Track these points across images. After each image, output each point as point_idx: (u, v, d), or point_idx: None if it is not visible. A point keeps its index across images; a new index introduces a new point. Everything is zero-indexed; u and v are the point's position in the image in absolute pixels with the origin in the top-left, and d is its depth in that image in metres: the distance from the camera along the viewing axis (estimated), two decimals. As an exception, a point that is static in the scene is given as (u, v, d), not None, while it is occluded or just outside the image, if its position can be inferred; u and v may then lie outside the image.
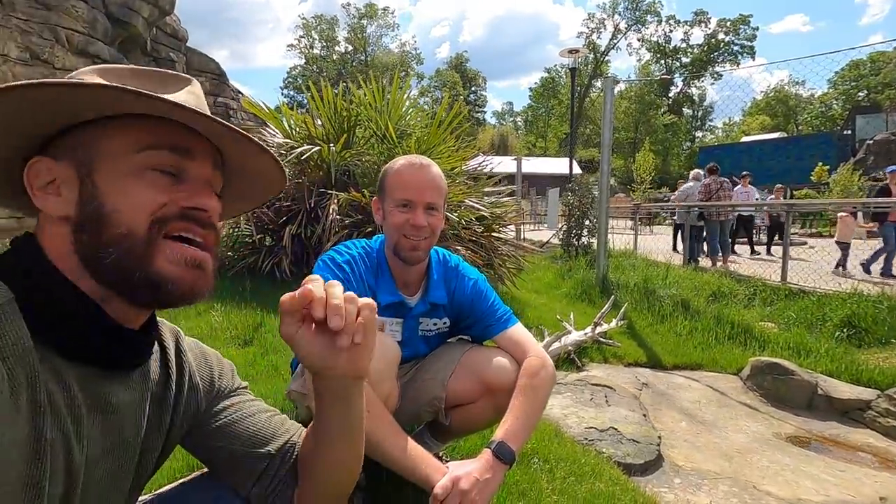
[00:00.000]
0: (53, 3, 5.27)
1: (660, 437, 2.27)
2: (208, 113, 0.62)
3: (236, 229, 4.50)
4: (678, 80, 47.14)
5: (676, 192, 9.32)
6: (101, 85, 0.51)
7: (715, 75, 41.92)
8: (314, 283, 0.58)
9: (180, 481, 0.80)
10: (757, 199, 9.66)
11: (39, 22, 5.07)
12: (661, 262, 6.51)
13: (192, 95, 0.62)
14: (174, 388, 0.69)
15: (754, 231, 10.23)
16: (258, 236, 4.38)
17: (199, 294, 0.58)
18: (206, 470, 0.78)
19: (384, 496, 1.40)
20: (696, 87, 48.18)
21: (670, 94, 47.39)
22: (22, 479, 0.46)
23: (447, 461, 1.63)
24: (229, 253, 4.52)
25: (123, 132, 0.56)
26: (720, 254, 7.68)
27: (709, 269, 6.80)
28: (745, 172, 9.48)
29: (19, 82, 0.47)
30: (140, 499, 0.73)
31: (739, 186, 9.19)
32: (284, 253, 4.01)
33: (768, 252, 9.60)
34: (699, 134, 50.30)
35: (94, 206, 0.54)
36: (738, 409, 2.85)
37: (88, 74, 0.59)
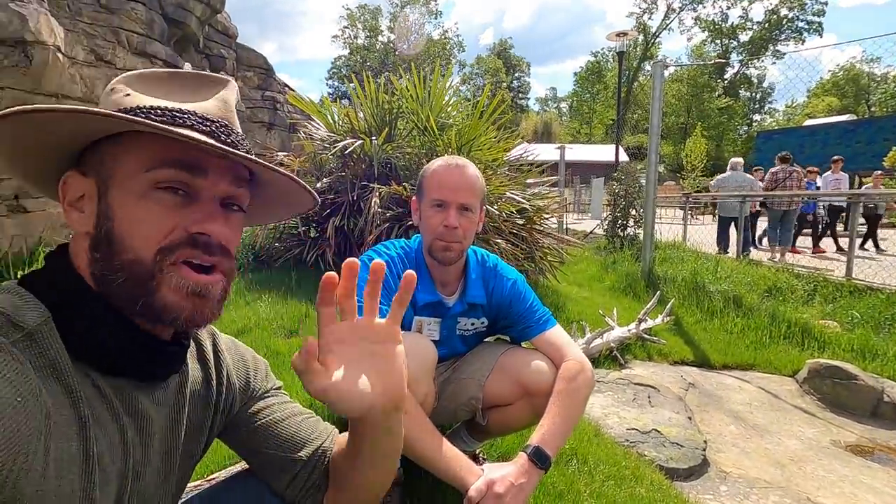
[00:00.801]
0: (115, 6, 5.58)
1: (706, 441, 2.20)
2: (231, 121, 0.61)
3: (283, 222, 4.65)
4: (735, 62, 44.30)
5: (712, 182, 8.65)
6: (83, 111, 0.49)
7: (776, 54, 39.22)
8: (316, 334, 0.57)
9: (225, 476, 0.84)
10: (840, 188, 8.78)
11: (102, 25, 5.38)
12: (711, 255, 6.23)
13: (221, 103, 0.61)
14: (214, 388, 0.71)
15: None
16: (303, 228, 4.52)
17: (200, 321, 0.56)
18: (248, 467, 0.81)
19: (421, 493, 1.43)
20: (754, 67, 45.24)
21: (726, 76, 44.76)
22: (76, 492, 0.48)
23: (484, 459, 1.65)
24: (276, 244, 4.69)
25: (137, 148, 0.54)
26: (778, 243, 7.33)
27: (764, 261, 6.44)
28: (836, 157, 8.65)
29: (33, 106, 0.47)
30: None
31: (829, 173, 8.48)
32: (328, 244, 4.11)
33: (862, 246, 8.29)
34: (757, 117, 47.28)
35: (106, 227, 0.54)
36: (793, 413, 2.71)
37: (121, 84, 0.58)
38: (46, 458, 0.45)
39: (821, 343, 3.59)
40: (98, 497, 0.51)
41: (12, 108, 0.47)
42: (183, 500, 0.78)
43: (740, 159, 8.08)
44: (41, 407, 0.45)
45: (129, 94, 0.58)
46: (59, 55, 4.01)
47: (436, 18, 50.14)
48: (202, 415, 0.70)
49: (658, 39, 45.36)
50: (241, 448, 0.78)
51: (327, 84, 48.06)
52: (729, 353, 3.45)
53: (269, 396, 0.79)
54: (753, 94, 46.81)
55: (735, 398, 2.84)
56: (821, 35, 41.25)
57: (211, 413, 0.71)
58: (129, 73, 0.61)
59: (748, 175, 7.92)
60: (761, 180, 8.26)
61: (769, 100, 46.66)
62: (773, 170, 7.75)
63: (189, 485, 0.82)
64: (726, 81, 44.12)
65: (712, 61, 38.82)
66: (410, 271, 0.58)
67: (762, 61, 43.52)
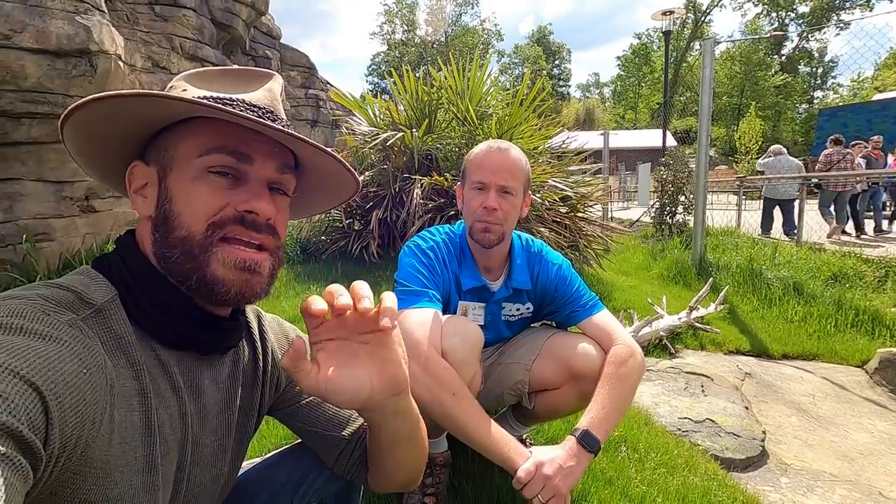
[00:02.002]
0: (168, 14, 5.88)
1: (764, 432, 2.10)
2: (277, 109, 0.64)
3: (328, 215, 4.78)
4: (793, 35, 41.28)
5: (757, 167, 8.75)
6: (135, 93, 0.52)
7: (840, 24, 36.35)
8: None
9: (279, 450, 0.89)
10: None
11: (158, 33, 5.69)
12: (768, 241, 5.91)
13: (267, 93, 0.65)
14: (262, 366, 0.75)
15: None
16: (348, 221, 4.62)
17: (251, 296, 0.59)
18: (299, 442, 0.85)
19: (470, 475, 1.45)
20: (815, 40, 42.06)
21: (783, 52, 41.92)
22: (140, 459, 0.52)
23: (531, 444, 1.65)
24: (322, 237, 4.82)
25: (192, 136, 0.59)
26: (833, 220, 7.40)
27: (827, 245, 6.05)
28: None
29: (96, 95, 0.52)
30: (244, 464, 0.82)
31: None
32: (372, 237, 4.20)
33: None
34: (819, 94, 44.05)
35: (164, 208, 0.58)
36: (862, 405, 2.54)
37: (179, 81, 0.64)
38: (112, 426, 0.49)
39: (894, 332, 3.35)
40: (159, 464, 0.55)
41: (96, 94, 0.52)
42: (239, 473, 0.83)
43: (781, 146, 8.26)
44: (106, 379, 0.48)
45: (185, 90, 0.62)
46: (120, 63, 4.27)
47: (472, 8, 49.58)
48: (252, 391, 0.74)
49: (709, 17, 42.98)
50: (291, 425, 0.82)
51: (367, 80, 48.70)
52: (789, 342, 3.28)
53: None
54: (814, 70, 43.60)
55: (796, 389, 2.70)
56: (891, 0, 37.83)
57: (259, 390, 0.75)
58: (185, 72, 0.66)
59: (795, 160, 8.07)
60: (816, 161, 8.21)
61: (832, 74, 43.28)
62: (825, 152, 7.74)
63: (245, 463, 0.86)
64: (783, 57, 41.32)
65: (767, 34, 36.17)
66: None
67: (824, 33, 40.44)
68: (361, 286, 0.55)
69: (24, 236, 3.79)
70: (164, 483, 0.56)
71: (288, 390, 0.80)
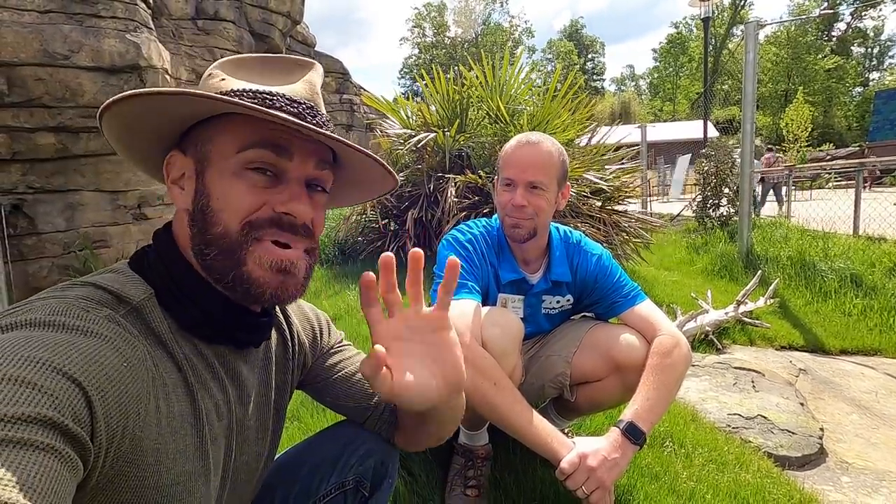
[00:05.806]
0: (210, 28, 6.16)
1: (822, 429, 2.00)
2: (317, 103, 0.63)
3: (363, 216, 4.86)
4: (845, 13, 38.87)
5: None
6: (188, 92, 0.53)
7: (898, 0, 34.03)
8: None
9: (319, 431, 0.95)
10: None
11: (201, 46, 5.97)
12: (820, 232, 5.60)
13: (307, 85, 0.64)
14: (290, 348, 0.78)
15: None
16: (383, 222, 4.69)
17: (285, 298, 0.59)
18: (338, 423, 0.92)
19: (513, 467, 1.44)
20: (870, 18, 39.51)
21: (834, 33, 39.61)
22: (191, 446, 0.55)
23: (572, 437, 1.63)
24: (359, 238, 4.91)
25: (232, 129, 0.57)
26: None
27: (887, 235, 5.67)
28: None
29: (140, 90, 0.52)
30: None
31: None
32: (408, 236, 4.24)
33: None
34: (875, 76, 41.43)
35: (202, 203, 0.57)
36: (932, 403, 2.37)
37: (217, 70, 0.62)
38: (159, 416, 0.50)
39: (965, 325, 3.11)
40: (210, 451, 0.57)
41: (135, 91, 0.53)
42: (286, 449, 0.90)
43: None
44: (148, 371, 0.50)
45: (224, 79, 0.61)
46: (167, 76, 4.49)
47: (501, 6, 49.34)
48: (285, 372, 0.77)
49: (750, 1, 41.08)
50: (321, 398, 0.87)
51: (399, 84, 49.30)
52: (847, 336, 3.10)
53: (336, 352, 0.86)
54: (869, 50, 41.02)
55: (857, 385, 2.55)
56: (956, -28, 35.12)
57: (290, 370, 0.78)
58: (223, 59, 0.65)
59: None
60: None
61: (889, 54, 40.64)
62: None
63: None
64: (835, 39, 39.06)
65: (816, 14, 34.13)
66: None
67: (880, 10, 37.97)
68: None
69: (78, 242, 4.05)
70: (215, 467, 0.59)
71: (315, 367, 0.84)
